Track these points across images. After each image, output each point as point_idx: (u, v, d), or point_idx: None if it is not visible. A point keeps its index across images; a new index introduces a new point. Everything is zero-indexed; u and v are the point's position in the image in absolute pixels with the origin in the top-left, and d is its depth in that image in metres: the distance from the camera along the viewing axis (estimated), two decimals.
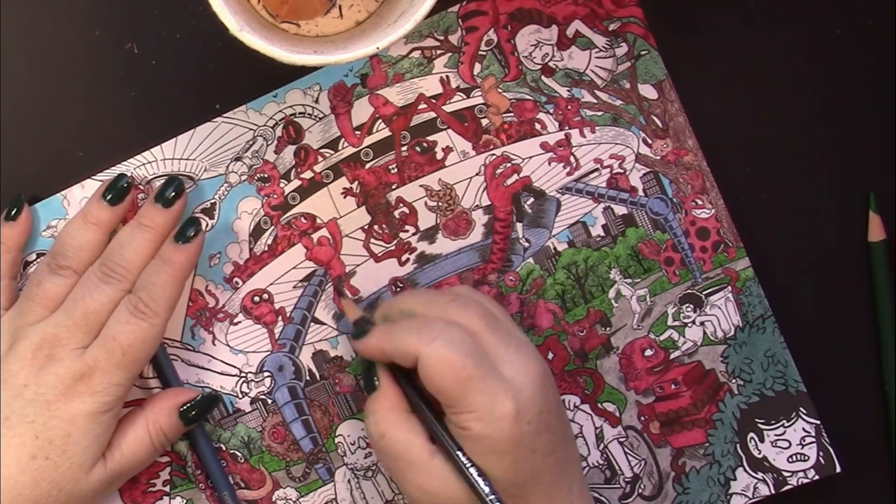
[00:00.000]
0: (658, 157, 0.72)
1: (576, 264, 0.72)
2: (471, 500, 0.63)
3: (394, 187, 0.71)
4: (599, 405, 0.72)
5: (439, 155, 0.71)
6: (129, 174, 0.70)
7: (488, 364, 0.63)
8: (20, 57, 0.70)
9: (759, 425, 0.72)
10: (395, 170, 0.71)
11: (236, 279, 0.71)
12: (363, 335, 0.66)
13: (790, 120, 0.73)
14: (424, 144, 0.71)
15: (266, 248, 0.71)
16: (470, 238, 0.72)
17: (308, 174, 0.71)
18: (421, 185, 0.71)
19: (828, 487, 0.73)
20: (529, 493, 0.63)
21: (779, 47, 0.72)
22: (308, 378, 0.71)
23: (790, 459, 0.72)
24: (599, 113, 0.72)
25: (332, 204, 0.71)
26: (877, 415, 0.73)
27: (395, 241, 0.72)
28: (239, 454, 0.71)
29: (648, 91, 0.72)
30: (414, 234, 0.72)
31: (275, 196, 0.71)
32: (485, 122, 0.71)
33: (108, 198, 0.69)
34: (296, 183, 0.71)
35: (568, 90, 0.72)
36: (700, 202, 0.72)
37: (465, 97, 0.71)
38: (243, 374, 0.71)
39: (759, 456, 0.72)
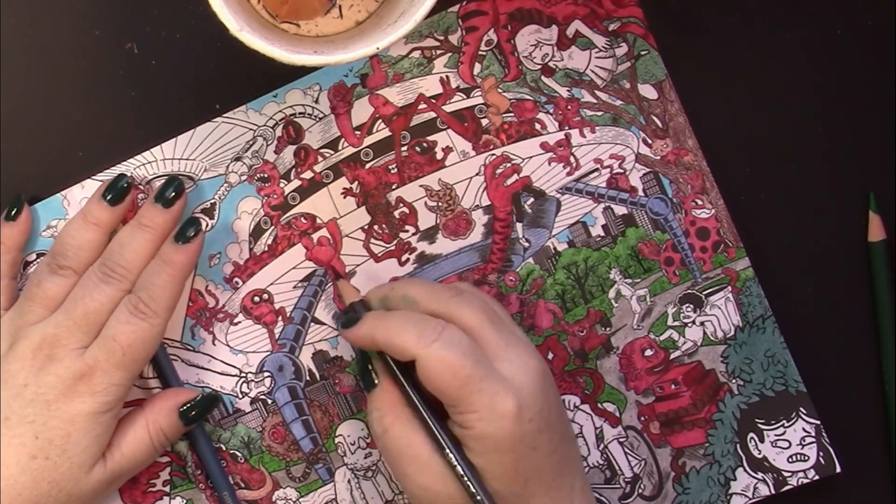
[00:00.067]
0: (658, 157, 0.72)
1: (576, 264, 0.72)
2: (468, 500, 0.63)
3: (394, 187, 0.71)
4: (599, 405, 0.72)
5: (439, 155, 0.71)
6: (129, 174, 0.70)
7: (487, 363, 0.63)
8: (20, 57, 0.70)
9: (759, 425, 0.72)
10: (395, 170, 0.71)
11: (236, 279, 0.71)
12: (353, 323, 0.66)
13: (790, 120, 0.73)
14: (424, 144, 0.71)
15: (266, 248, 0.71)
16: (470, 238, 0.72)
17: (308, 174, 0.71)
18: (421, 185, 0.71)
19: (828, 487, 0.73)
20: (532, 491, 0.63)
21: (779, 47, 0.72)
22: (308, 378, 0.71)
23: (790, 459, 0.72)
24: (599, 113, 0.72)
25: (332, 204, 0.71)
26: (877, 415, 0.73)
27: (395, 241, 0.72)
28: (239, 454, 0.71)
29: (648, 91, 0.72)
30: (414, 234, 0.72)
31: (275, 196, 0.71)
32: (485, 122, 0.71)
33: (108, 198, 0.69)
34: (296, 183, 0.71)
35: (568, 90, 0.72)
36: (700, 202, 0.72)
37: (465, 97, 0.71)
38: (243, 375, 0.71)
39: (759, 456, 0.72)
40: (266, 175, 0.71)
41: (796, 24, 0.72)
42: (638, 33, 0.71)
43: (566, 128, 0.72)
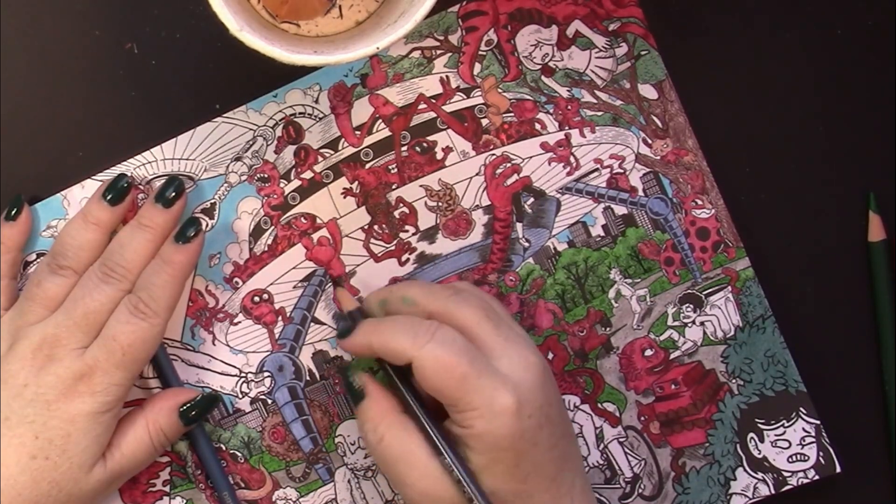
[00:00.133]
0: (658, 157, 0.72)
1: (576, 264, 0.72)
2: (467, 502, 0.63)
3: (394, 187, 0.71)
4: (599, 405, 0.72)
5: (439, 155, 0.71)
6: (129, 174, 0.70)
7: (484, 361, 0.63)
8: (20, 57, 0.70)
9: (759, 425, 0.72)
10: (395, 170, 0.71)
11: (236, 279, 0.71)
12: (349, 333, 0.66)
13: (790, 120, 0.73)
14: (424, 144, 0.71)
15: (266, 248, 0.71)
16: (470, 238, 0.72)
17: (308, 174, 0.71)
18: (421, 185, 0.71)
19: (828, 487, 0.73)
20: (532, 488, 0.63)
21: (779, 47, 0.72)
22: (308, 378, 0.71)
23: (790, 459, 0.72)
24: (599, 113, 0.72)
25: (332, 204, 0.71)
26: (877, 415, 0.73)
27: (395, 241, 0.72)
28: (239, 454, 0.71)
29: (648, 91, 0.72)
30: (414, 234, 0.72)
31: (275, 196, 0.71)
32: (485, 122, 0.71)
33: (108, 198, 0.69)
34: (296, 183, 0.71)
35: (568, 90, 0.72)
36: (700, 202, 0.72)
37: (465, 97, 0.71)
38: (243, 374, 0.71)
39: (759, 456, 0.72)
40: (266, 175, 0.71)
41: (796, 24, 0.72)
42: (638, 33, 0.71)
43: (566, 128, 0.72)
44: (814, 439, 0.72)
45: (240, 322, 0.71)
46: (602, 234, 0.72)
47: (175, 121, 0.70)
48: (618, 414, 0.72)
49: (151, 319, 0.66)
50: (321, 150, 0.71)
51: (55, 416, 0.65)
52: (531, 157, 0.72)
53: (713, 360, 0.72)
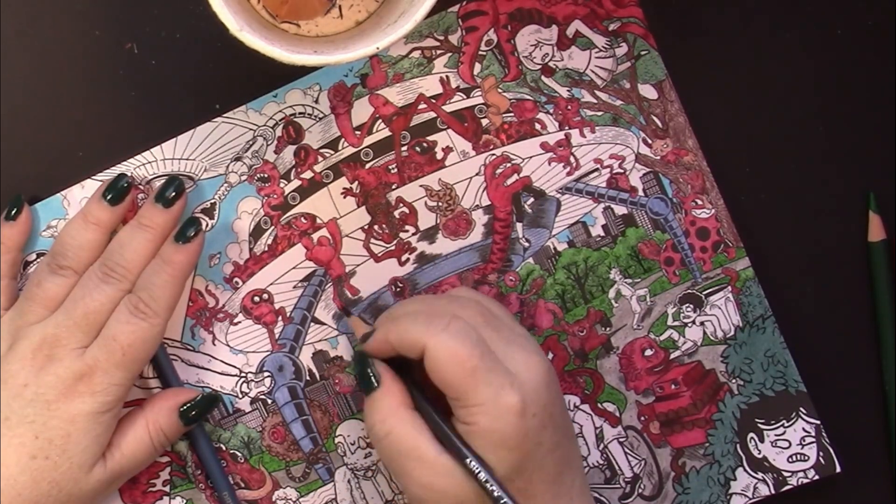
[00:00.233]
0: (658, 157, 0.72)
1: (576, 264, 0.72)
2: (478, 496, 0.63)
3: (394, 187, 0.71)
4: (599, 405, 0.72)
5: (439, 155, 0.71)
6: (129, 174, 0.70)
7: (494, 358, 0.63)
8: (20, 57, 0.70)
9: (759, 425, 0.72)
10: (395, 170, 0.71)
11: (236, 279, 0.71)
12: (369, 338, 0.67)
13: (790, 120, 0.73)
14: (424, 144, 0.71)
15: (266, 248, 0.71)
16: (470, 238, 0.72)
17: (308, 174, 0.71)
18: (421, 185, 0.71)
19: (828, 487, 0.73)
20: (534, 487, 0.63)
21: (779, 47, 0.72)
22: (308, 378, 0.71)
23: (790, 459, 0.72)
24: (599, 113, 0.72)
25: (332, 204, 0.71)
26: (877, 415, 0.73)
27: (395, 241, 0.72)
28: (239, 454, 0.71)
29: (648, 91, 0.72)
30: (414, 234, 0.72)
31: (275, 196, 0.71)
32: (485, 122, 0.71)
33: (108, 198, 0.69)
34: (296, 183, 0.71)
35: (568, 90, 0.72)
36: (700, 202, 0.72)
37: (465, 97, 0.71)
38: (243, 374, 0.71)
39: (759, 456, 0.72)
40: (266, 175, 0.71)
41: (796, 24, 0.72)
42: (638, 33, 0.71)
43: (566, 128, 0.72)
44: (814, 439, 0.72)
45: (240, 322, 0.71)
46: (602, 234, 0.72)
47: (175, 121, 0.70)
48: (618, 414, 0.72)
49: (151, 319, 0.66)
50: (321, 150, 0.71)
51: (55, 416, 0.65)
52: (531, 157, 0.72)
53: (713, 360, 0.72)
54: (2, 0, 0.70)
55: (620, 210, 0.72)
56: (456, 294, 0.68)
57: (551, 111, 0.72)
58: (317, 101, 0.71)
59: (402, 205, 0.71)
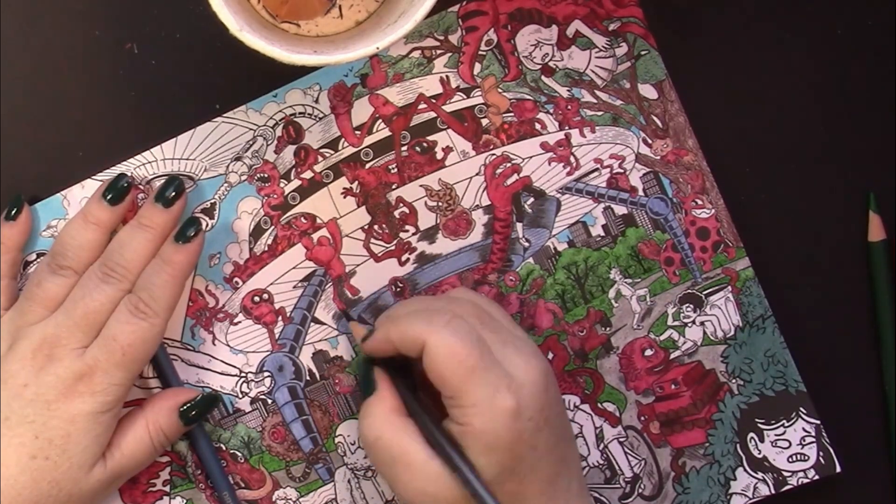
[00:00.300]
0: (658, 157, 0.72)
1: (576, 264, 0.72)
2: (467, 500, 0.63)
3: (394, 187, 0.71)
4: (599, 405, 0.72)
5: (439, 155, 0.71)
6: (129, 174, 0.70)
7: (492, 358, 0.63)
8: (20, 57, 0.70)
9: (759, 425, 0.72)
10: (395, 170, 0.71)
11: (236, 279, 0.71)
12: (370, 337, 0.67)
13: (790, 120, 0.73)
14: (424, 144, 0.71)
15: (266, 248, 0.71)
16: (470, 238, 0.72)
17: (308, 174, 0.71)
18: (421, 185, 0.71)
19: (828, 487, 0.73)
20: (527, 490, 0.63)
21: (779, 47, 0.72)
22: (308, 378, 0.71)
23: (790, 459, 0.72)
24: (599, 113, 0.72)
25: (332, 204, 0.71)
26: (877, 415, 0.73)
27: (395, 241, 0.72)
28: (239, 454, 0.71)
29: (648, 91, 0.72)
30: (414, 234, 0.72)
31: (275, 196, 0.71)
32: (485, 122, 0.71)
33: (108, 198, 0.69)
34: (296, 183, 0.71)
35: (568, 90, 0.72)
36: (700, 202, 0.72)
37: (465, 97, 0.71)
38: (243, 374, 0.71)
39: (759, 456, 0.72)
40: (266, 175, 0.71)
41: (796, 24, 0.72)
42: (638, 33, 0.71)
43: (566, 128, 0.72)
44: (814, 439, 0.72)
45: (240, 322, 0.71)
46: (602, 233, 0.72)
47: (175, 121, 0.70)
48: (618, 414, 0.72)
49: (151, 319, 0.66)
50: (321, 150, 0.71)
51: (55, 415, 0.65)
52: (531, 157, 0.72)
53: (713, 360, 0.72)
54: (2, 0, 0.70)
55: (620, 210, 0.72)
56: (454, 295, 0.68)
57: (551, 111, 0.72)
58: (317, 101, 0.71)
59: (402, 205, 0.71)
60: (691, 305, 0.72)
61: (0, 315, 0.68)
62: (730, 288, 0.72)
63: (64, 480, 0.65)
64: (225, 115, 0.71)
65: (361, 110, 0.71)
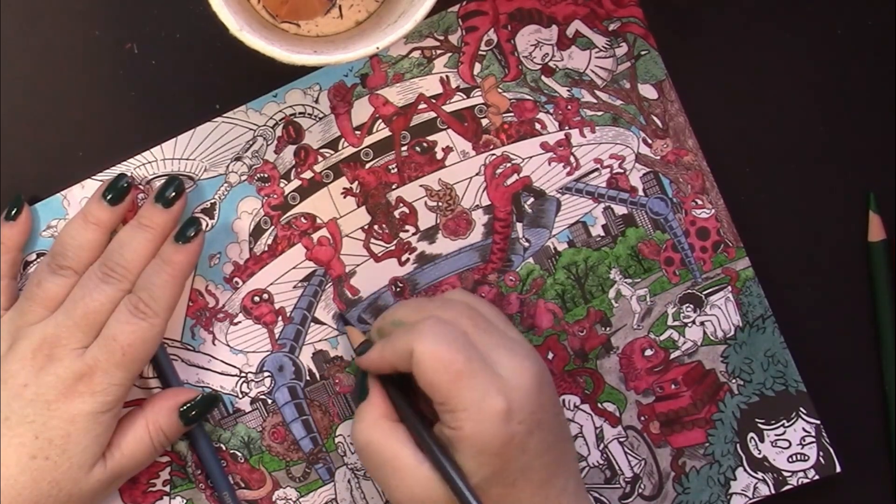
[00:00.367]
0: (658, 157, 0.72)
1: (576, 264, 0.72)
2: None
3: (394, 187, 0.71)
4: (599, 405, 0.72)
5: (439, 155, 0.71)
6: (129, 174, 0.70)
7: (480, 362, 0.63)
8: (20, 57, 0.70)
9: (759, 425, 0.72)
10: (395, 170, 0.71)
11: (236, 279, 0.71)
12: (365, 352, 0.67)
13: (790, 120, 0.73)
14: (424, 144, 0.71)
15: (266, 248, 0.71)
16: (470, 238, 0.72)
17: (308, 174, 0.71)
18: (421, 185, 0.71)
19: (828, 487, 0.73)
20: (519, 493, 0.63)
21: (779, 47, 0.72)
22: (308, 378, 0.71)
23: (790, 459, 0.72)
24: (599, 113, 0.72)
25: (332, 204, 0.71)
26: (877, 415, 0.73)
27: (395, 241, 0.72)
28: (239, 454, 0.71)
29: (648, 91, 0.72)
30: (414, 234, 0.72)
31: (275, 196, 0.71)
32: (485, 122, 0.71)
33: (108, 198, 0.69)
34: (296, 183, 0.71)
35: (568, 90, 0.72)
36: (700, 202, 0.72)
37: (465, 97, 0.71)
38: (243, 374, 0.71)
39: (759, 456, 0.72)
40: (266, 175, 0.71)
41: (796, 23, 0.72)
42: (638, 33, 0.71)
43: (566, 128, 0.72)
44: (814, 439, 0.72)
45: (240, 322, 0.71)
46: (602, 234, 0.72)
47: (175, 121, 0.70)
48: (618, 414, 0.72)
49: (151, 319, 0.66)
50: (321, 150, 0.71)
51: (55, 416, 0.65)
52: (531, 157, 0.72)
53: (713, 360, 0.72)
54: (2, 0, 0.70)
55: (620, 210, 0.72)
56: (449, 297, 0.68)
57: (551, 111, 0.72)
58: (317, 101, 0.71)
59: (402, 205, 0.71)
60: (691, 305, 0.72)
61: (0, 315, 0.68)
62: (730, 288, 0.72)
63: (64, 480, 0.65)
64: (225, 115, 0.71)
65: (361, 110, 0.71)
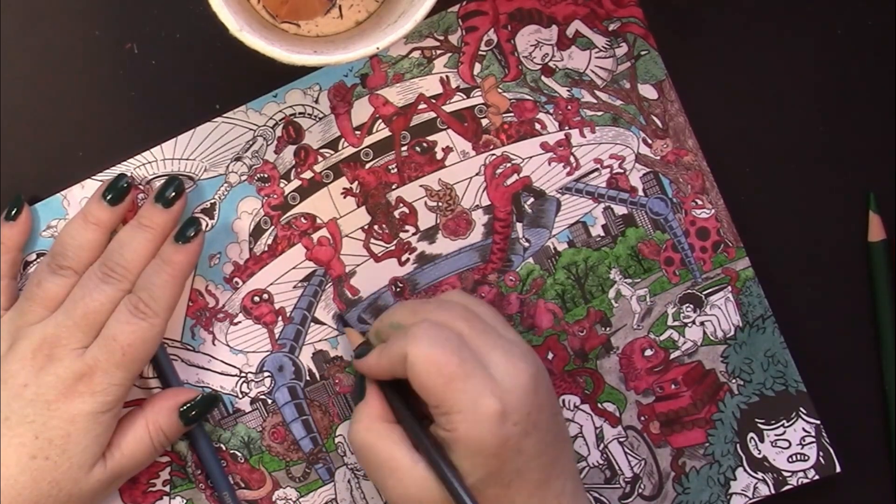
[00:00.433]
0: (658, 157, 0.72)
1: (576, 264, 0.72)
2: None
3: (394, 187, 0.71)
4: (599, 405, 0.72)
5: (439, 155, 0.71)
6: (129, 174, 0.70)
7: (474, 364, 0.63)
8: (20, 57, 0.70)
9: (759, 425, 0.72)
10: (395, 170, 0.71)
11: (236, 279, 0.71)
12: (364, 356, 0.67)
13: (790, 120, 0.73)
14: (424, 144, 0.71)
15: (266, 248, 0.71)
16: (470, 238, 0.72)
17: (308, 174, 0.71)
18: (421, 185, 0.71)
19: (828, 487, 0.73)
20: (514, 493, 0.63)
21: (779, 47, 0.72)
22: (308, 378, 0.71)
23: (790, 459, 0.72)
24: (599, 113, 0.72)
25: (332, 204, 0.71)
26: (877, 415, 0.73)
27: (395, 241, 0.72)
28: (239, 454, 0.71)
29: (648, 91, 0.72)
30: (414, 234, 0.72)
31: (275, 196, 0.71)
32: (485, 122, 0.71)
33: (108, 198, 0.69)
34: (296, 183, 0.71)
35: (568, 90, 0.72)
36: (700, 202, 0.72)
37: (465, 97, 0.71)
38: (243, 374, 0.71)
39: (759, 456, 0.72)
40: (266, 175, 0.71)
41: (797, 24, 0.72)
42: (638, 33, 0.71)
43: (566, 128, 0.72)
44: (814, 439, 0.72)
45: (240, 322, 0.71)
46: (602, 234, 0.72)
47: (175, 121, 0.70)
48: (618, 414, 0.72)
49: (151, 319, 0.66)
50: (321, 150, 0.71)
51: (55, 416, 0.65)
52: (531, 157, 0.72)
53: (713, 360, 0.72)
54: (2, 0, 0.70)
55: (620, 210, 0.72)
56: (446, 298, 0.68)
57: (551, 111, 0.72)
58: (317, 101, 0.71)
59: (402, 205, 0.71)
60: (691, 305, 0.72)
61: (0, 315, 0.68)
62: (730, 288, 0.72)
63: (64, 480, 0.65)
64: (225, 115, 0.71)
65: (361, 110, 0.71)
